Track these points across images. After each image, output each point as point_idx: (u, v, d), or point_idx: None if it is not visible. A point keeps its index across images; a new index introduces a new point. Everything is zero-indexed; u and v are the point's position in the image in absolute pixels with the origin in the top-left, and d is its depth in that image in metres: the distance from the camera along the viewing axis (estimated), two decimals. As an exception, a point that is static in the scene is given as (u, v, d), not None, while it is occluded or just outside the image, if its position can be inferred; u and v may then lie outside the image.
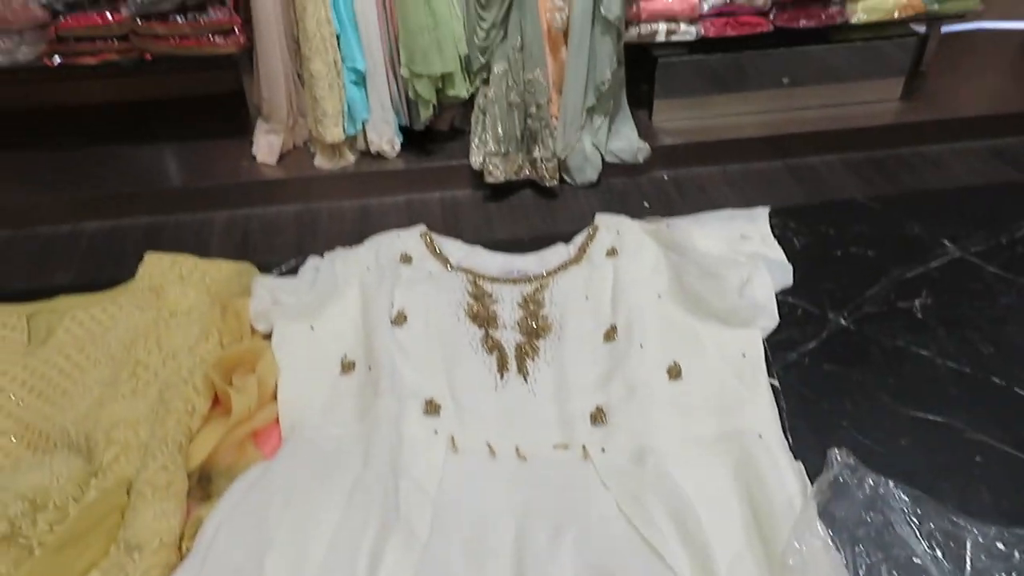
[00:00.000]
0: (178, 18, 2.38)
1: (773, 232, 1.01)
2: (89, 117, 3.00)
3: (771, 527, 0.65)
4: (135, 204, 2.46)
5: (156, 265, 0.94)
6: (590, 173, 2.45)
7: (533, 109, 2.40)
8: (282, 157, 2.63)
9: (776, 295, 0.90)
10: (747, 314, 0.85)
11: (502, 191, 2.48)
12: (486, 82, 2.47)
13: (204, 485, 0.69)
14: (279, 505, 0.61)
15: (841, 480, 0.68)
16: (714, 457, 0.73)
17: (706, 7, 2.42)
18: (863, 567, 0.63)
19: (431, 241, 0.98)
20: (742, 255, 0.95)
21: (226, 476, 0.68)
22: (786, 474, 0.69)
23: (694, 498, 0.68)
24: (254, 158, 2.61)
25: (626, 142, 2.38)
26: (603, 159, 2.34)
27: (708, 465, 0.72)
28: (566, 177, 2.58)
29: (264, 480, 0.64)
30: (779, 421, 0.76)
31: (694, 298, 0.87)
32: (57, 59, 2.43)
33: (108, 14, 2.38)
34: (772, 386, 0.80)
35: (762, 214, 1.03)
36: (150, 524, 0.61)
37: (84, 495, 0.65)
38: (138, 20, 2.35)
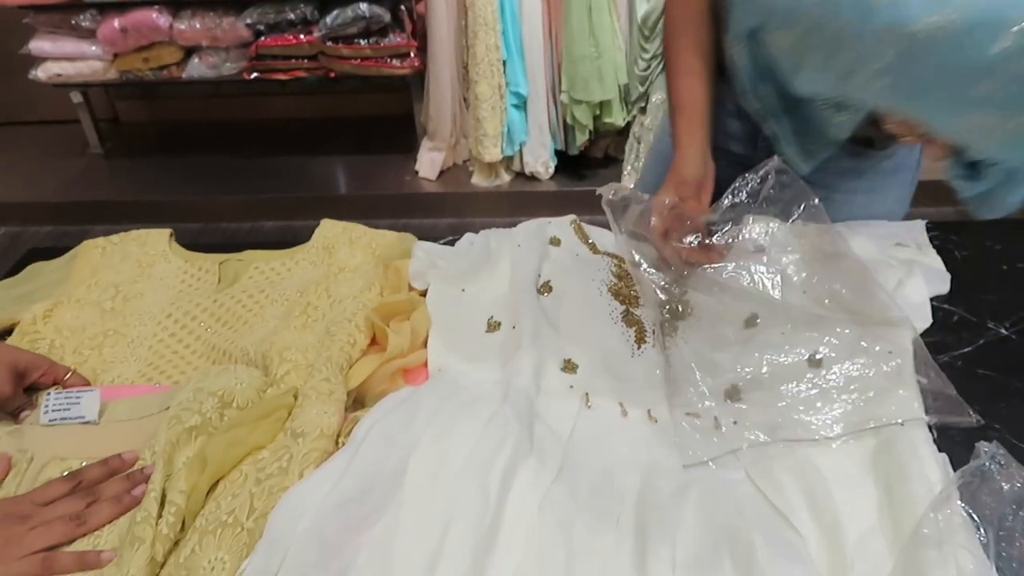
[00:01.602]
0: (361, 41, 2.61)
1: (932, 244, 0.98)
2: (272, 130, 3.32)
3: (907, 511, 0.63)
4: (306, 207, 2.71)
5: (330, 229, 1.03)
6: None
7: (687, 140, 2.42)
8: (442, 173, 2.81)
9: (931, 301, 0.87)
10: (897, 313, 0.83)
11: (650, 219, 2.50)
12: (643, 111, 2.54)
13: (356, 408, 0.75)
14: (424, 418, 0.66)
15: (988, 470, 0.65)
16: (851, 441, 0.72)
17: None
18: (1005, 557, 0.60)
19: (580, 228, 1.02)
20: (895, 260, 0.93)
21: (377, 401, 0.73)
22: (927, 463, 0.67)
23: (826, 476, 0.67)
24: (416, 173, 2.81)
25: (780, 178, 2.34)
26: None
27: (843, 448, 0.71)
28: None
29: (413, 398, 0.70)
30: (924, 415, 0.74)
31: (842, 295, 0.86)
32: (255, 74, 2.71)
33: (302, 35, 2.65)
34: (919, 383, 0.77)
35: (919, 225, 1.00)
36: (313, 419, 0.67)
37: (261, 399, 0.73)
38: (327, 42, 2.59)
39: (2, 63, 3.03)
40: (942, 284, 0.90)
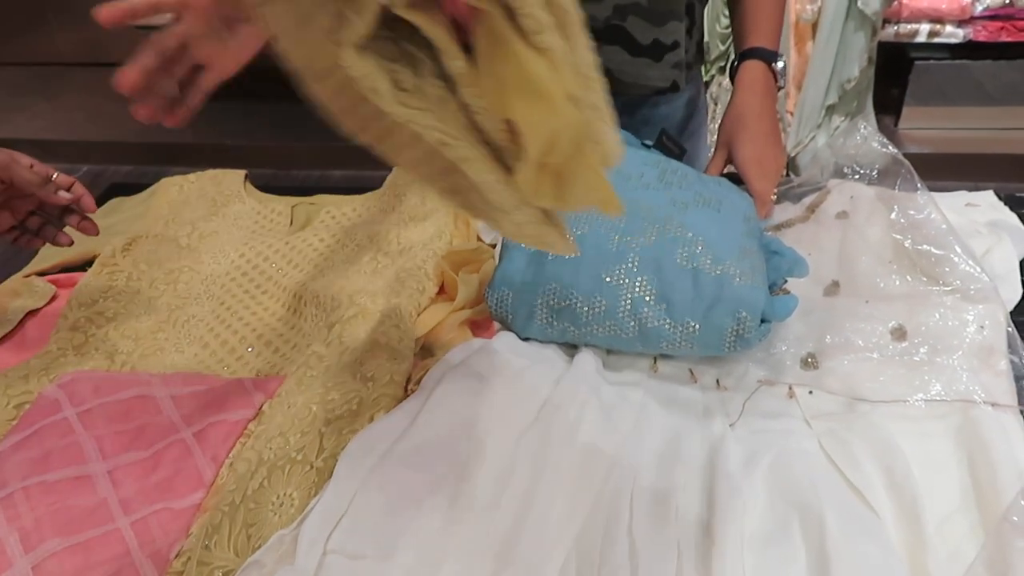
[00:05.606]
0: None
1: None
2: (346, 79, 3.29)
3: (993, 496, 0.60)
4: (375, 158, 2.69)
5: (402, 177, 1.03)
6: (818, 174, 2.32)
7: (768, 102, 2.34)
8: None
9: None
10: (985, 285, 0.79)
11: (723, 184, 2.43)
12: (723, 71, 2.44)
13: (424, 356, 0.75)
14: (497, 371, 0.65)
15: (1086, 460, 0.61)
16: (934, 420, 0.68)
17: (979, 7, 2.24)
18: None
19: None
20: (982, 226, 0.89)
21: (444, 351, 0.73)
22: (1018, 448, 0.64)
23: (907, 454, 0.64)
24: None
25: (864, 146, 2.25)
26: (836, 162, 2.24)
27: (925, 426, 0.68)
28: (792, 175, 2.49)
29: (485, 349, 0.69)
30: (1016, 397, 0.70)
31: (928, 266, 0.82)
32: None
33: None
34: (1012, 363, 0.73)
35: (987, 193, 0.97)
36: (384, 364, 0.68)
37: (327, 338, 0.74)
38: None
39: (85, 4, 3.09)
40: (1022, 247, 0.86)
